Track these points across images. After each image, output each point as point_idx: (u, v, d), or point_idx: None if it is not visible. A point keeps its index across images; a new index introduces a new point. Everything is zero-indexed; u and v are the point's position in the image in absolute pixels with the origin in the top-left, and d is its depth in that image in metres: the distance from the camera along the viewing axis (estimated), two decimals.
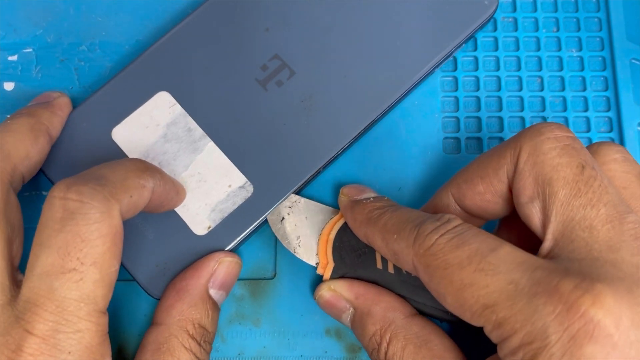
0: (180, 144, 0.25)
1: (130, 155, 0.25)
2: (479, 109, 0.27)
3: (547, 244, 0.19)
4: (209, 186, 0.24)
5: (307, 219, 0.25)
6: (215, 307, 0.23)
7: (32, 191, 0.26)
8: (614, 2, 0.28)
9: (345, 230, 0.24)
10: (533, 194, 0.19)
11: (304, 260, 0.24)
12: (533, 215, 0.19)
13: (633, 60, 0.28)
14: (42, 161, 0.24)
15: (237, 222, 0.24)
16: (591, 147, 0.21)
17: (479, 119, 0.27)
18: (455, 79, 0.28)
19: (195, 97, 0.25)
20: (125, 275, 0.24)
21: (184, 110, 0.25)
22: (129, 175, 0.20)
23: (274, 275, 0.25)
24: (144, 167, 0.21)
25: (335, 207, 0.25)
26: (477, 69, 0.28)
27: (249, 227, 0.24)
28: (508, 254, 0.18)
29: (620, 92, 0.27)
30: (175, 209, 0.24)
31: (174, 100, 0.25)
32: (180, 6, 0.28)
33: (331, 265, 0.24)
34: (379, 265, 0.23)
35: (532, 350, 0.16)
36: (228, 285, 0.23)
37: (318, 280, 0.25)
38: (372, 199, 0.23)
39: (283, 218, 0.24)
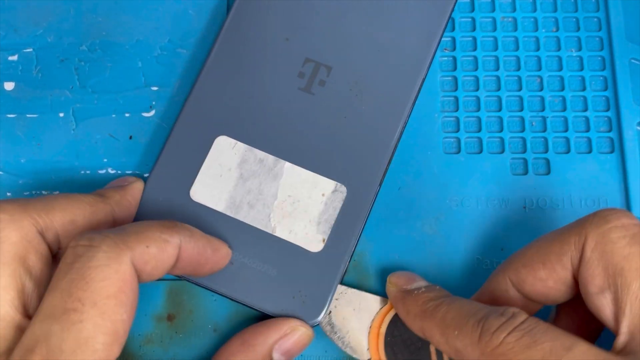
0: (259, 177, 0.24)
1: (218, 209, 0.24)
2: (478, 108, 0.28)
3: (622, 338, 0.18)
4: (304, 204, 0.24)
5: (355, 311, 0.24)
6: None
7: (33, 191, 0.26)
8: (614, 2, 0.28)
9: (396, 323, 0.23)
10: (603, 284, 0.19)
11: (355, 356, 0.24)
12: (604, 306, 0.19)
13: (632, 60, 0.28)
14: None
15: (347, 224, 0.24)
16: None
17: (478, 118, 0.27)
18: (455, 78, 0.28)
19: (251, 128, 0.25)
20: None
21: (247, 146, 0.25)
22: (150, 229, 0.20)
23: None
24: (171, 225, 0.21)
25: (383, 294, 0.24)
26: (476, 68, 0.28)
27: (360, 223, 0.24)
28: (584, 353, 0.17)
29: (619, 92, 0.27)
30: (284, 237, 0.24)
31: (233, 141, 0.25)
32: (181, 7, 0.28)
33: None
34: (434, 359, 0.23)
35: None
36: (293, 353, 0.23)
37: None
38: (423, 289, 0.22)
39: (330, 311, 0.24)
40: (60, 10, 0.28)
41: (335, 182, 0.24)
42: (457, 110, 0.27)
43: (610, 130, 0.27)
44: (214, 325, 0.25)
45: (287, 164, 0.25)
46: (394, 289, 0.23)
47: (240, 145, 0.25)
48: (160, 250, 0.20)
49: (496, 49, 0.28)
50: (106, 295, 0.18)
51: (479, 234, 0.26)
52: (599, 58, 0.28)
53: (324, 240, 0.24)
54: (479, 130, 0.27)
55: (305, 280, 0.24)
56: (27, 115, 0.27)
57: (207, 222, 0.24)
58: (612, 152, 0.27)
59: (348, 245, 0.24)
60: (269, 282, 0.23)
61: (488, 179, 0.27)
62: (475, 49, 0.28)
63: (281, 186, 0.24)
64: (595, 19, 0.29)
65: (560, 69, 0.28)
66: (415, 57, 0.26)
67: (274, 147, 0.25)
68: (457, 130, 0.27)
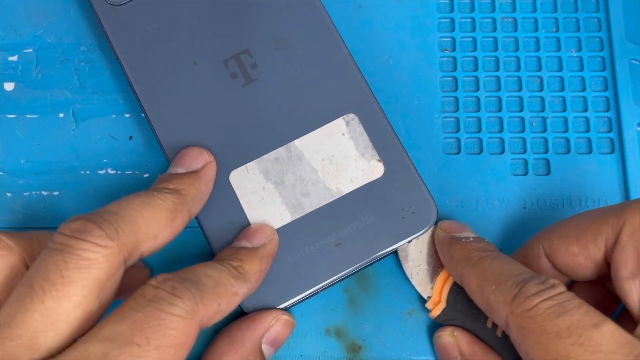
0: (288, 170, 0.24)
1: (287, 222, 0.24)
2: (478, 109, 0.28)
3: None
4: (339, 153, 0.24)
5: (433, 250, 0.24)
6: None
7: (33, 191, 0.26)
8: (614, 3, 0.29)
9: None
10: (635, 270, 0.19)
11: (417, 289, 0.24)
12: (632, 292, 0.19)
13: (632, 61, 0.28)
14: (169, 241, 0.21)
15: (383, 135, 0.25)
16: None
17: (478, 119, 0.27)
18: (455, 79, 0.28)
19: (241, 145, 0.25)
20: None
21: (255, 160, 0.24)
22: (222, 282, 0.20)
23: None
24: (240, 274, 0.21)
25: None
26: (476, 69, 0.28)
27: (391, 129, 0.25)
28: (611, 332, 0.17)
29: (619, 92, 0.27)
30: (352, 189, 0.24)
31: (242, 167, 0.24)
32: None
33: (442, 305, 0.24)
34: (489, 324, 0.23)
35: None
36: (279, 343, 0.23)
37: None
38: (472, 239, 0.23)
39: (410, 241, 0.24)
40: (60, 10, 0.28)
41: (342, 117, 0.25)
42: (457, 110, 0.27)
43: (610, 131, 0.27)
44: (213, 325, 0.25)
45: (296, 142, 0.25)
46: (443, 233, 0.24)
47: (250, 164, 0.24)
48: (229, 303, 0.20)
49: (496, 49, 0.28)
50: (168, 344, 0.18)
51: (479, 234, 0.26)
52: (599, 58, 0.28)
53: (379, 160, 0.24)
54: (479, 130, 0.27)
55: (398, 199, 0.24)
56: (27, 116, 0.27)
57: (288, 240, 0.24)
58: (612, 152, 0.27)
59: (401, 150, 0.24)
60: (376, 227, 0.24)
61: (488, 179, 0.27)
62: (475, 50, 0.28)
63: (309, 160, 0.24)
64: (595, 20, 0.29)
65: (560, 69, 0.28)
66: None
67: (274, 140, 0.25)
68: (457, 131, 0.27)
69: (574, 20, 0.29)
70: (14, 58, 0.28)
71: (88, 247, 0.18)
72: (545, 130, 0.27)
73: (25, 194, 0.26)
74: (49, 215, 0.26)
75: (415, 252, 0.24)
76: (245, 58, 0.25)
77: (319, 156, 0.24)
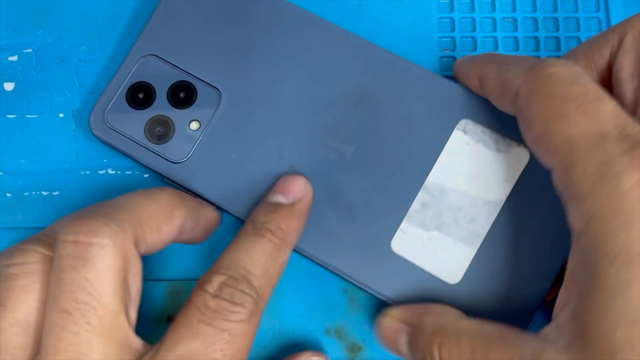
0: (432, 206, 0.23)
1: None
2: None
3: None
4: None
5: None
6: None
7: (32, 191, 0.26)
8: (614, 2, 0.28)
9: None
10: (635, 71, 0.20)
11: None
12: (628, 91, 0.20)
13: None
14: (167, 244, 0.22)
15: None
16: None
17: None
18: None
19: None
20: None
21: (403, 224, 0.24)
22: (270, 263, 0.21)
23: None
24: (279, 242, 0.21)
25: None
26: None
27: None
28: (612, 107, 0.18)
29: None
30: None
31: None
32: None
33: None
34: None
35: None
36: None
37: (318, 278, 0.25)
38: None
39: None
40: (60, 10, 0.28)
41: (455, 129, 0.24)
42: None
43: None
44: None
45: (429, 178, 0.23)
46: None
47: (403, 225, 0.23)
48: (280, 275, 0.21)
49: (496, 49, 0.28)
50: (240, 349, 0.19)
51: None
52: None
53: (519, 144, 0.23)
54: None
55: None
56: (27, 116, 0.27)
57: (485, 270, 0.23)
58: None
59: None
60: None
61: None
62: (475, 49, 0.28)
63: (453, 187, 0.23)
64: (596, 20, 0.29)
65: None
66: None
67: (409, 190, 0.23)
68: None
69: (575, 20, 0.29)
70: (14, 58, 0.28)
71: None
72: None
73: (25, 194, 0.26)
74: (49, 215, 0.26)
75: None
76: (340, 145, 0.24)
77: (459, 178, 0.23)
